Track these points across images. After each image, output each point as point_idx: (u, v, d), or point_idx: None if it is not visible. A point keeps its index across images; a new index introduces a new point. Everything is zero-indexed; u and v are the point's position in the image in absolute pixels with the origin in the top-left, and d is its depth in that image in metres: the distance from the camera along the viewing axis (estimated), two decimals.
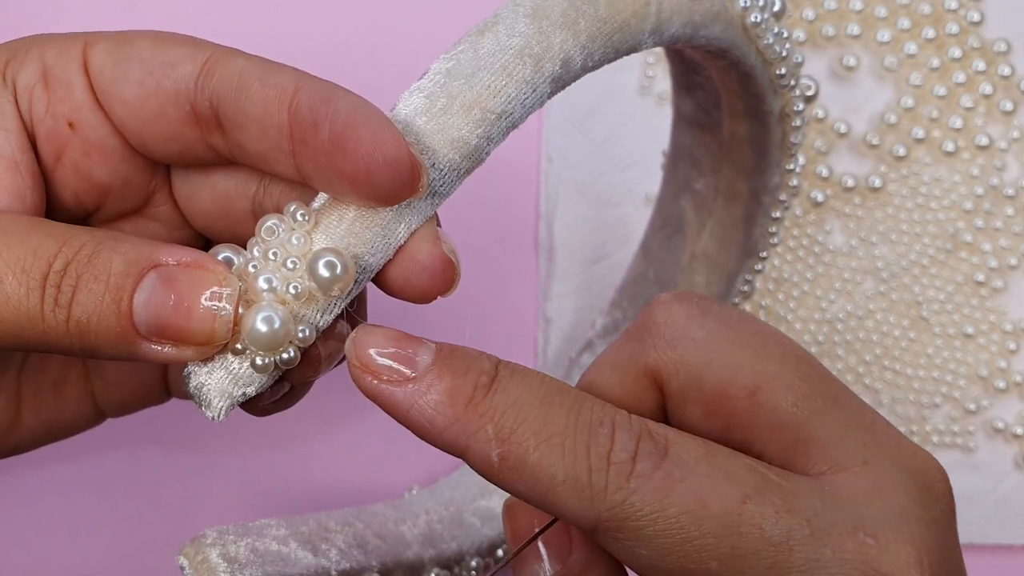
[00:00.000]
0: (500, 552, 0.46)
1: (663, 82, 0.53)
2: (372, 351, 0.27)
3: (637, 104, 0.54)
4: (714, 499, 0.25)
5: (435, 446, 0.27)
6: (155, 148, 0.32)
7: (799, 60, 0.35)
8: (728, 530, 0.25)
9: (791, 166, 0.38)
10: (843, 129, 0.54)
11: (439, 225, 0.30)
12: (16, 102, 0.32)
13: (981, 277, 0.53)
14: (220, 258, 0.29)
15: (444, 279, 0.30)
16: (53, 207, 0.33)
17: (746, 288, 0.46)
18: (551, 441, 0.25)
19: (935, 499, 0.27)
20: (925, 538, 0.26)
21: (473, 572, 0.45)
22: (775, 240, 0.42)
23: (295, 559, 0.38)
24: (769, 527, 0.25)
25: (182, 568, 0.36)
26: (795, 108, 0.36)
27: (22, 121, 0.32)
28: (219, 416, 0.29)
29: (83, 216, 0.34)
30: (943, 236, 0.53)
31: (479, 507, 0.46)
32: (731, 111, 0.37)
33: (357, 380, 0.28)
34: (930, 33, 0.54)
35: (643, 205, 0.53)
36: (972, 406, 0.52)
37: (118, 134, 0.32)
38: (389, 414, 0.27)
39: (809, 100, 0.36)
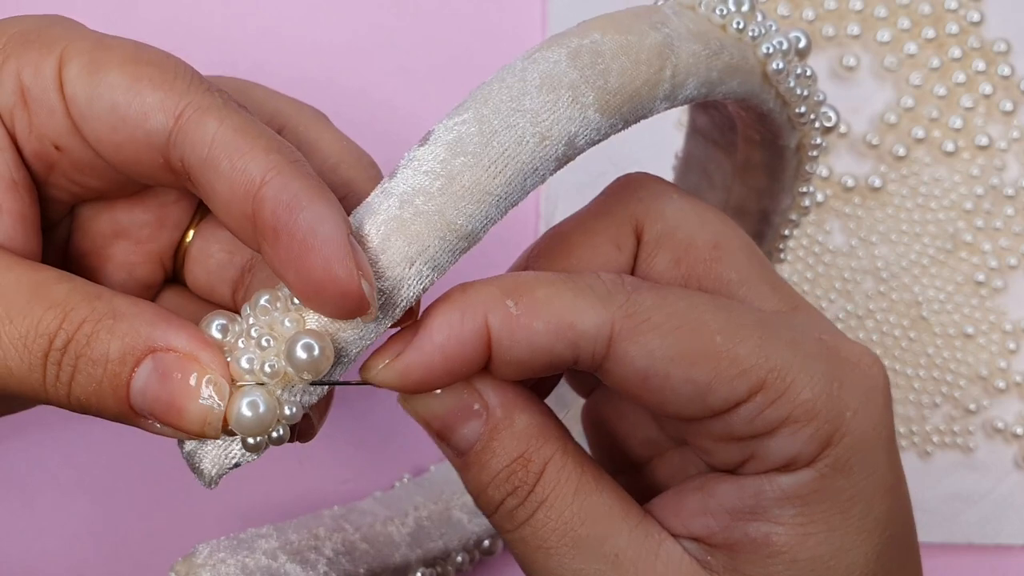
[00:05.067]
0: (486, 543, 0.46)
1: None
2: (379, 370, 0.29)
3: None
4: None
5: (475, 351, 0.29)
6: (141, 180, 0.32)
7: (820, 98, 0.34)
8: (719, 303, 0.30)
9: (805, 189, 0.37)
10: (843, 129, 0.54)
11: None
12: (2, 119, 0.31)
13: (981, 277, 0.53)
14: (215, 326, 0.29)
15: None
16: (49, 206, 0.33)
17: None
18: (551, 287, 0.29)
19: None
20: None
21: (459, 567, 0.45)
22: (783, 256, 0.41)
23: (283, 574, 0.38)
24: (753, 308, 0.32)
25: None
26: (813, 141, 0.35)
27: (11, 138, 0.31)
28: (211, 485, 0.29)
29: (83, 202, 0.34)
30: (943, 236, 0.53)
31: (467, 502, 0.46)
32: (746, 139, 0.36)
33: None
34: (930, 33, 0.54)
35: None
36: (972, 406, 0.52)
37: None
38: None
39: (828, 131, 0.36)
